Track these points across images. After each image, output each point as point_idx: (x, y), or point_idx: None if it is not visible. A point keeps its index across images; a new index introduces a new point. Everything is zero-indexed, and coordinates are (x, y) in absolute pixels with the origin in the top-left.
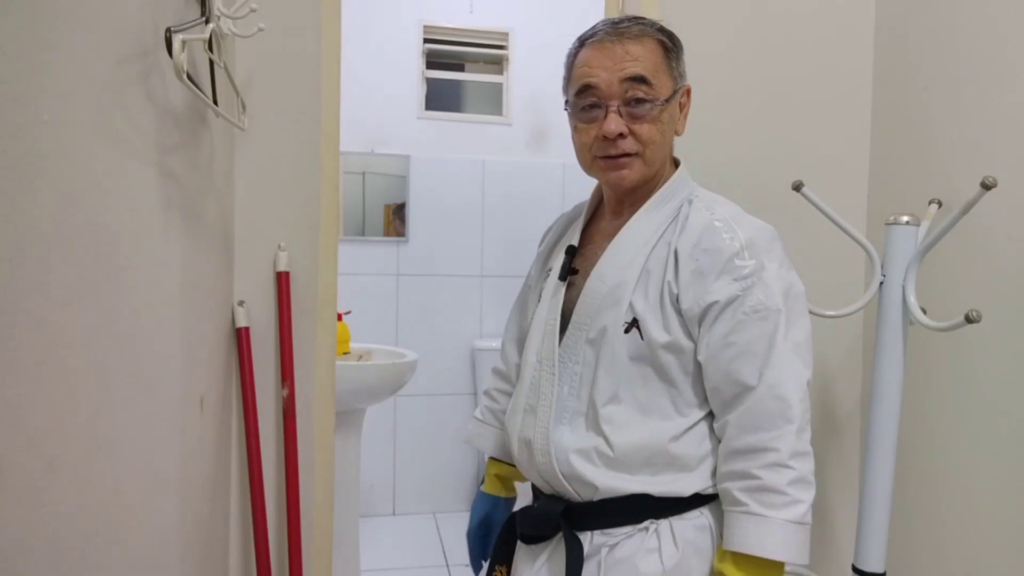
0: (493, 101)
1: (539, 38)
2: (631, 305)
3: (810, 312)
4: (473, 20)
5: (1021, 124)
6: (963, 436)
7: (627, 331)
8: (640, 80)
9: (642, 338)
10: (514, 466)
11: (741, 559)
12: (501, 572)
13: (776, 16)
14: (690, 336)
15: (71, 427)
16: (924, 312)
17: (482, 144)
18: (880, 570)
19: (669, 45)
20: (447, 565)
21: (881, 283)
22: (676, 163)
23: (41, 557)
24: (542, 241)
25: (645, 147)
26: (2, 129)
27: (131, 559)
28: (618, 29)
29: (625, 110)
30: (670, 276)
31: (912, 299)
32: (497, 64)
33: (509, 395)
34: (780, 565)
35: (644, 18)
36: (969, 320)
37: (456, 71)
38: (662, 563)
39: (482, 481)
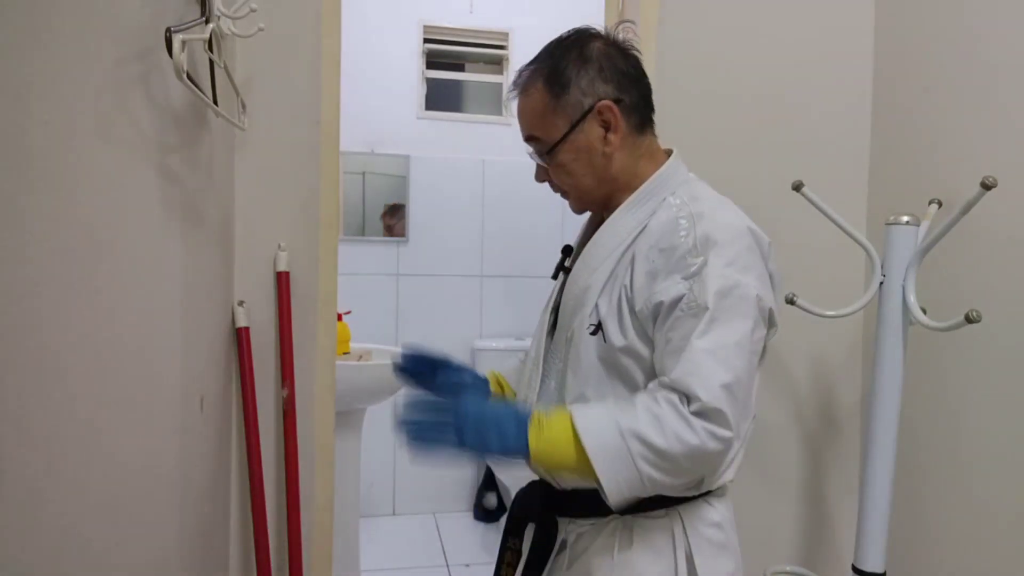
0: (493, 101)
1: (539, 38)
2: (596, 308)
3: (810, 312)
4: (473, 20)
5: (1021, 124)
6: (963, 436)
7: (593, 333)
8: (530, 138)
9: (605, 341)
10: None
11: (561, 422)
12: (514, 544)
13: (776, 16)
14: (645, 340)
15: (71, 427)
16: (924, 312)
17: (482, 144)
18: (880, 570)
19: (553, 85)
20: (447, 565)
21: (881, 283)
22: (670, 154)
23: (41, 557)
24: None
25: (564, 188)
26: (2, 129)
27: (131, 559)
28: (515, 86)
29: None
30: (626, 279)
31: (912, 299)
32: (497, 64)
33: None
34: (571, 451)
35: (535, 58)
36: (969, 320)
37: (456, 71)
38: (613, 556)
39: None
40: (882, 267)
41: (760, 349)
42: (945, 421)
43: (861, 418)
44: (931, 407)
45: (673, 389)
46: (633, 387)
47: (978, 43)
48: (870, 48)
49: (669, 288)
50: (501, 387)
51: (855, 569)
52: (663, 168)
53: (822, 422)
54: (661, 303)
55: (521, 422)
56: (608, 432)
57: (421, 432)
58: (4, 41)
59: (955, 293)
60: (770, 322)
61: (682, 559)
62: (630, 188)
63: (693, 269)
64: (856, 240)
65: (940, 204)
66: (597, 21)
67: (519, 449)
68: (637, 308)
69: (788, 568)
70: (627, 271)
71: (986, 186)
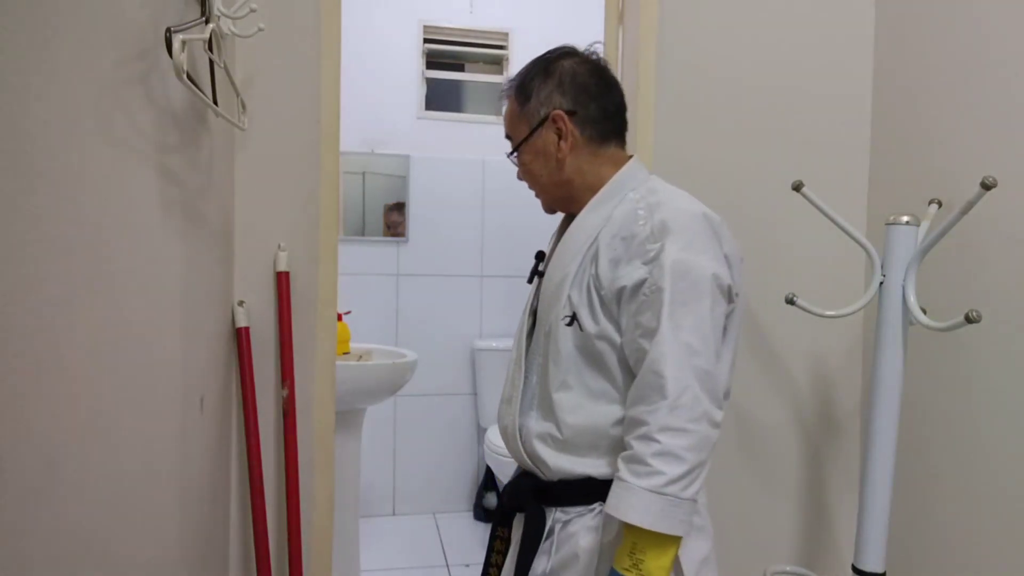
0: (493, 101)
1: (539, 38)
2: (569, 299)
3: (810, 312)
4: (473, 20)
5: (1021, 124)
6: (963, 436)
7: (569, 324)
8: (508, 138)
9: (581, 329)
10: None
11: (626, 524)
12: (503, 532)
13: (776, 16)
14: (615, 324)
15: (71, 427)
16: (924, 312)
17: (482, 144)
18: (880, 570)
19: (520, 95)
20: (447, 565)
21: (881, 283)
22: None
23: (41, 557)
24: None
25: (529, 186)
26: (2, 129)
27: (131, 559)
28: (501, 92)
29: None
30: (593, 269)
31: (912, 299)
32: (497, 64)
33: None
34: (656, 535)
35: (516, 74)
36: (969, 320)
37: (456, 71)
38: (600, 540)
39: None
40: (882, 267)
41: (722, 324)
42: (945, 421)
43: (861, 418)
44: (931, 407)
45: (639, 420)
46: (606, 371)
47: (978, 43)
48: (870, 48)
49: (631, 273)
50: None
51: (855, 569)
52: (623, 169)
53: (822, 422)
54: (624, 287)
55: None
56: (649, 500)
57: None
58: (4, 41)
59: (955, 293)
60: (729, 298)
61: None
62: (593, 190)
63: (651, 254)
64: (856, 240)
65: (940, 204)
66: (597, 21)
67: None
68: (603, 293)
69: (788, 568)
70: (593, 262)
71: (986, 186)
